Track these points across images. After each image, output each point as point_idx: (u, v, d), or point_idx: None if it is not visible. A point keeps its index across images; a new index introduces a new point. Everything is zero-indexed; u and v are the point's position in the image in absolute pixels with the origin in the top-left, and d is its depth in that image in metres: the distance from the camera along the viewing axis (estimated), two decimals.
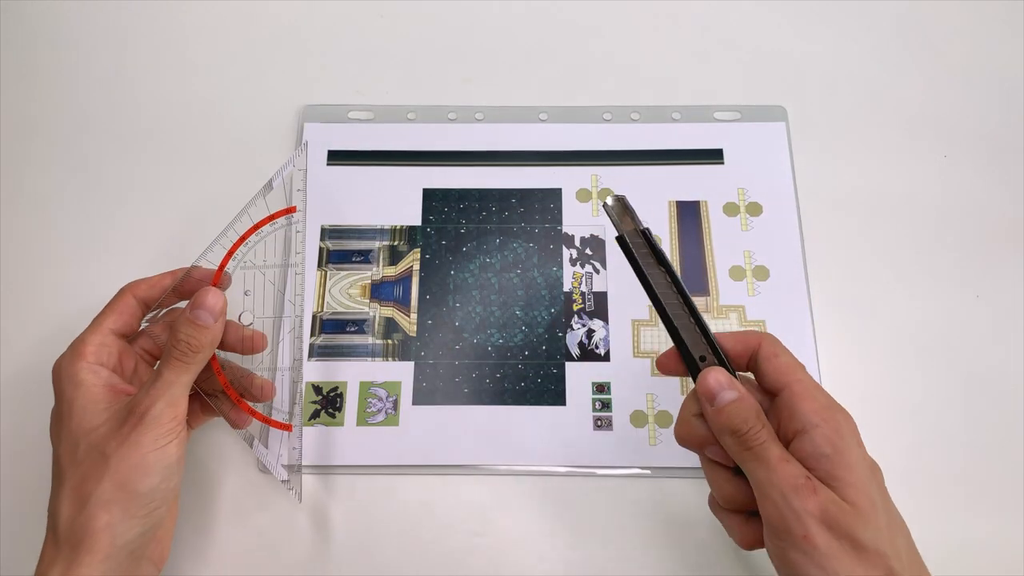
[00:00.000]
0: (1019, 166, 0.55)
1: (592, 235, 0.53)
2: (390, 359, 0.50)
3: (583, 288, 0.51)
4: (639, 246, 0.39)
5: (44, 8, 0.61)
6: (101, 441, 0.38)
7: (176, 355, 0.40)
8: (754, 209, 0.53)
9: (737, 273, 0.52)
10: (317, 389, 0.49)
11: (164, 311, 0.45)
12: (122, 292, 0.43)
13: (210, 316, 0.41)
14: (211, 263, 0.44)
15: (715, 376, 0.37)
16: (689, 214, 0.53)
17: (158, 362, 0.41)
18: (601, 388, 0.49)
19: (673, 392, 0.48)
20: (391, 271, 0.52)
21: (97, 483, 0.37)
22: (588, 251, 0.52)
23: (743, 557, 0.45)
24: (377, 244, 0.53)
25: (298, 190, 0.46)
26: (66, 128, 0.57)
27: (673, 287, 0.39)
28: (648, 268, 0.39)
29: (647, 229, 0.39)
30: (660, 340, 0.50)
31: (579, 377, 0.49)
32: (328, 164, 0.55)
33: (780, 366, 0.38)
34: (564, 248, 0.53)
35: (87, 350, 0.40)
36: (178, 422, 0.39)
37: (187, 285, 0.44)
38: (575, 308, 0.51)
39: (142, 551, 0.39)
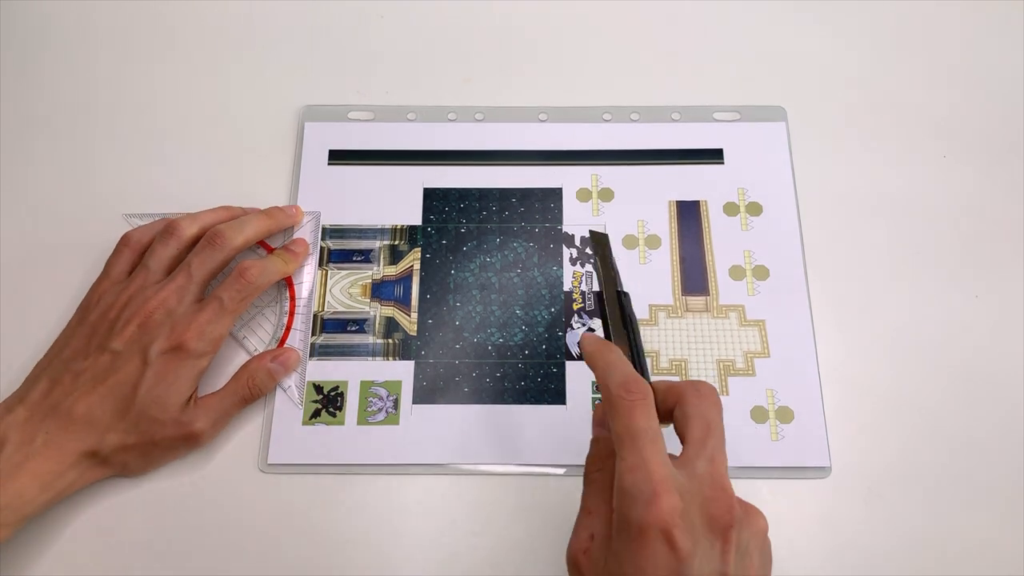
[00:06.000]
0: (1019, 166, 0.55)
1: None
2: (391, 358, 0.50)
3: (583, 287, 0.52)
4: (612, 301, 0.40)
5: (44, 8, 0.61)
6: None
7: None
8: (754, 209, 0.53)
9: (737, 273, 0.52)
10: (318, 388, 0.49)
11: None
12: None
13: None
14: None
15: (596, 413, 0.41)
16: (689, 214, 0.53)
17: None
18: None
19: None
20: (392, 270, 0.52)
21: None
22: (588, 250, 0.52)
23: None
24: (378, 243, 0.53)
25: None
26: (66, 129, 0.57)
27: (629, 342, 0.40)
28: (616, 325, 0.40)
29: (625, 294, 0.41)
30: (659, 340, 0.50)
31: (579, 376, 0.49)
32: (329, 164, 0.55)
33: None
34: (564, 247, 0.53)
35: None
36: None
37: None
38: (575, 307, 0.51)
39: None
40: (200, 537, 0.46)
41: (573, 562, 0.36)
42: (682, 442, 0.36)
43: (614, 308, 0.40)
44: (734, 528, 0.32)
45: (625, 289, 0.41)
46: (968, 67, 0.59)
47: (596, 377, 0.37)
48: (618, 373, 0.36)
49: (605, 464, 0.37)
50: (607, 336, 0.40)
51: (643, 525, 0.31)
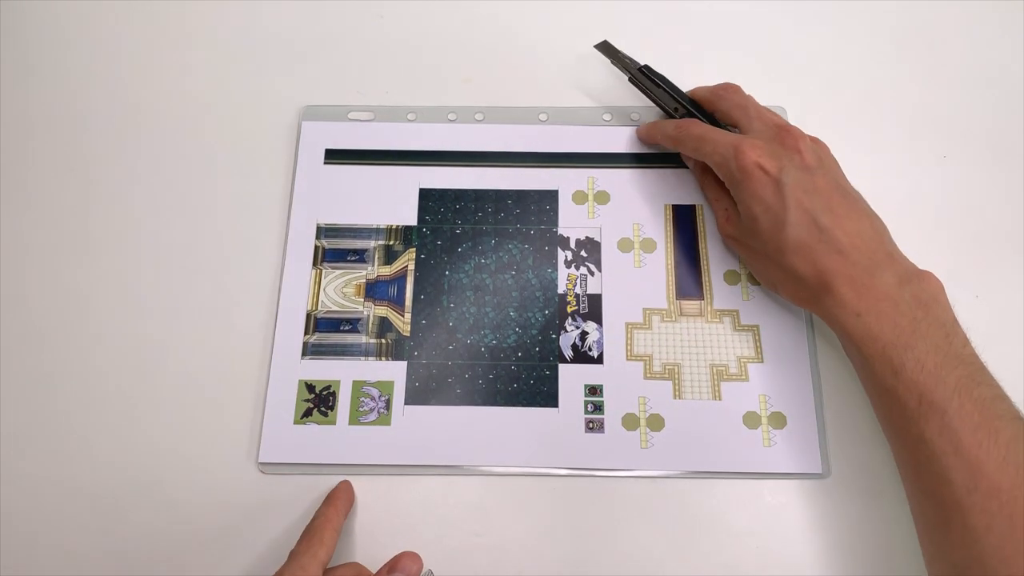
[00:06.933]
0: (1019, 166, 0.54)
1: (588, 237, 0.53)
2: (383, 358, 0.50)
3: (577, 290, 0.51)
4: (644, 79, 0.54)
5: (44, 8, 0.61)
6: None
7: None
8: None
9: (732, 277, 0.51)
10: (310, 387, 0.49)
11: None
12: (324, 525, 0.43)
13: None
14: None
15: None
16: (685, 218, 0.53)
17: None
18: (593, 390, 0.49)
19: (666, 396, 0.48)
20: (386, 270, 0.52)
21: None
22: (583, 253, 0.52)
23: (737, 557, 0.45)
24: (373, 243, 0.53)
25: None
26: (65, 128, 0.57)
27: (668, 91, 0.54)
28: (653, 89, 0.54)
29: (645, 66, 0.54)
30: (653, 344, 0.50)
31: (572, 379, 0.49)
32: (325, 163, 0.55)
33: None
34: (559, 250, 0.52)
35: None
36: None
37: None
38: (569, 310, 0.51)
39: None
40: (199, 538, 0.46)
41: (724, 232, 0.51)
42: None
43: (645, 79, 0.54)
44: (803, 141, 0.46)
45: (642, 65, 0.54)
46: (968, 67, 0.58)
47: (670, 135, 0.52)
48: (667, 124, 0.52)
49: (706, 170, 0.51)
50: (648, 97, 0.54)
51: (741, 167, 0.46)
